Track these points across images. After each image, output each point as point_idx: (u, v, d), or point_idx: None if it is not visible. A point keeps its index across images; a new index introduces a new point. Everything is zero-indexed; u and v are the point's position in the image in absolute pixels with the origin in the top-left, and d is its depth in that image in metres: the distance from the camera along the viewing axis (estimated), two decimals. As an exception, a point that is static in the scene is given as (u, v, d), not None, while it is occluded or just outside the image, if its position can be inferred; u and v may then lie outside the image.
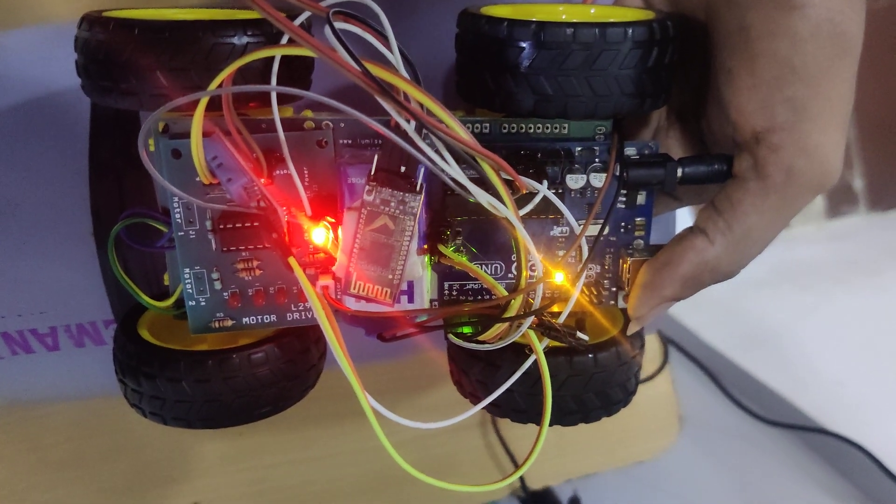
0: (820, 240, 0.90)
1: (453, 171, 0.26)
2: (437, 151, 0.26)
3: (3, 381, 0.44)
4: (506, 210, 0.27)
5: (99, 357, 0.44)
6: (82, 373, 0.44)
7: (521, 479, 0.57)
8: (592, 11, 0.34)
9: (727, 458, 0.62)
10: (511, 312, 0.29)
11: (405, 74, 0.26)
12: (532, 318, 0.29)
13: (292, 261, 0.28)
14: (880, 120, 0.93)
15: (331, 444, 0.54)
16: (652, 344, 0.59)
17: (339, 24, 0.26)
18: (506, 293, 0.30)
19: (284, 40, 0.27)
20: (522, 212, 0.29)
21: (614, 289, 0.34)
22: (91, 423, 0.54)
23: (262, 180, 0.28)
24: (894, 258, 0.86)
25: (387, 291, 0.29)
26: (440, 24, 0.41)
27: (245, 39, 0.29)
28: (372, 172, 0.28)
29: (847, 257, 0.86)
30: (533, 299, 0.30)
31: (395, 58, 0.27)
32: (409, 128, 0.25)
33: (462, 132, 0.26)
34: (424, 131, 0.26)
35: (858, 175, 0.94)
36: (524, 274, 0.29)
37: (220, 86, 0.26)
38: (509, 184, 0.28)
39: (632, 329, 0.32)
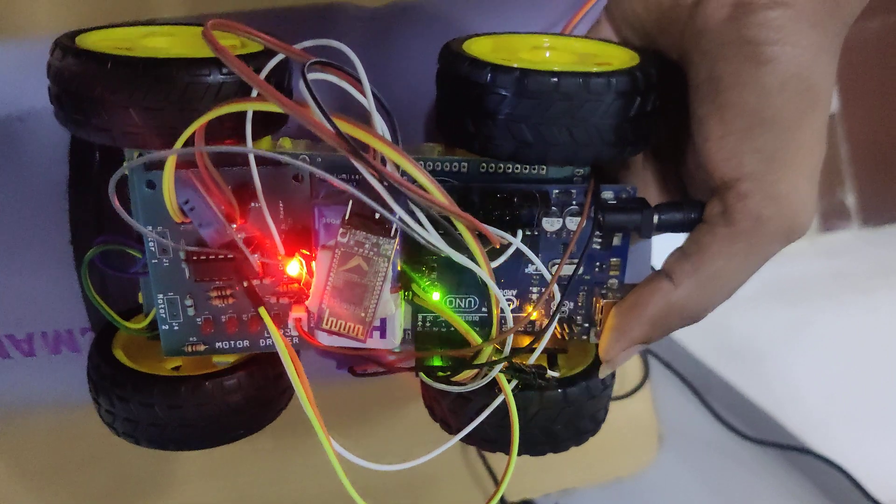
0: (811, 255, 0.89)
1: (429, 235, 0.26)
2: (412, 213, 0.26)
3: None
4: (480, 271, 0.27)
5: (75, 364, 0.44)
6: (59, 379, 0.45)
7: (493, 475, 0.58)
8: (576, 45, 0.33)
9: (709, 474, 0.62)
10: (482, 359, 0.30)
11: (380, 130, 0.26)
12: (501, 365, 0.30)
13: (262, 311, 0.28)
14: (872, 136, 0.93)
15: (309, 458, 0.54)
16: (633, 361, 0.60)
17: (313, 75, 0.26)
18: (478, 338, 0.30)
19: (256, 91, 0.27)
20: (496, 263, 0.29)
21: (587, 325, 0.34)
22: (70, 431, 0.54)
23: (234, 226, 0.28)
24: (885, 275, 0.86)
25: (359, 328, 0.29)
26: (424, 50, 0.41)
27: (220, 78, 0.28)
28: (346, 217, 0.28)
29: (838, 273, 0.86)
30: (503, 346, 0.30)
31: (371, 109, 0.26)
32: (382, 190, 0.25)
33: (438, 194, 0.25)
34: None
35: (850, 191, 0.94)
36: (496, 324, 0.29)
37: (193, 136, 0.26)
38: (482, 237, 0.28)
39: (604, 372, 0.33)
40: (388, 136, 0.27)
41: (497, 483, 0.58)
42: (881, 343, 0.75)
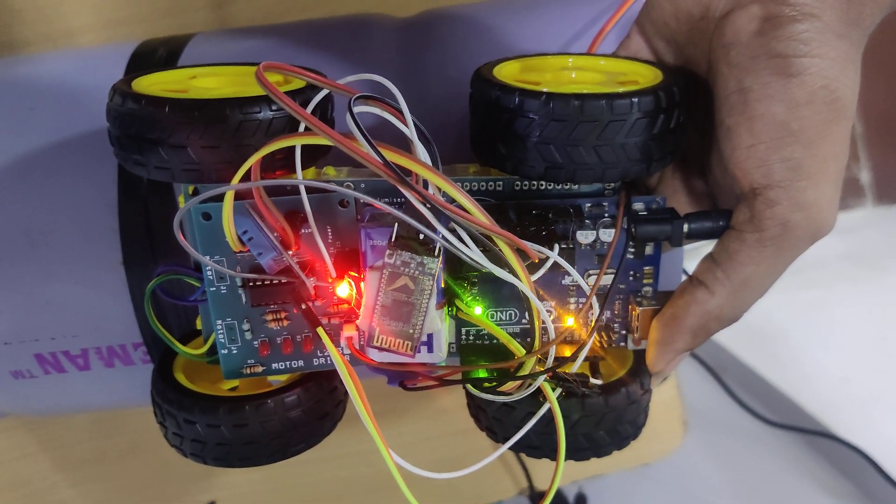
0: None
1: (471, 252, 0.28)
2: (455, 232, 0.28)
3: (35, 398, 0.47)
4: (522, 285, 0.29)
5: (128, 375, 0.46)
6: (111, 389, 0.47)
7: (529, 479, 0.60)
8: (602, 63, 0.35)
9: (731, 459, 0.63)
10: (525, 370, 0.31)
11: (421, 157, 0.28)
12: (545, 376, 0.31)
13: (320, 331, 0.30)
14: (887, 113, 0.93)
15: (343, 445, 0.56)
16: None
17: (359, 108, 0.28)
18: (520, 350, 0.32)
19: (304, 125, 0.28)
20: (535, 276, 0.30)
21: (624, 332, 0.35)
22: (111, 421, 0.56)
23: (291, 252, 0.30)
24: None
25: (407, 344, 0.31)
26: (456, 58, 0.42)
27: (270, 114, 0.30)
28: (392, 239, 0.30)
29: (854, 251, 0.87)
30: (546, 357, 0.31)
31: (413, 138, 0.28)
32: (427, 212, 0.27)
33: (480, 215, 0.27)
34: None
35: (865, 168, 0.95)
36: (538, 336, 0.31)
37: (249, 171, 0.28)
38: (521, 252, 0.29)
39: (655, 383, 0.34)
40: (428, 161, 0.28)
41: (527, 472, 0.60)
42: (896, 319, 0.75)
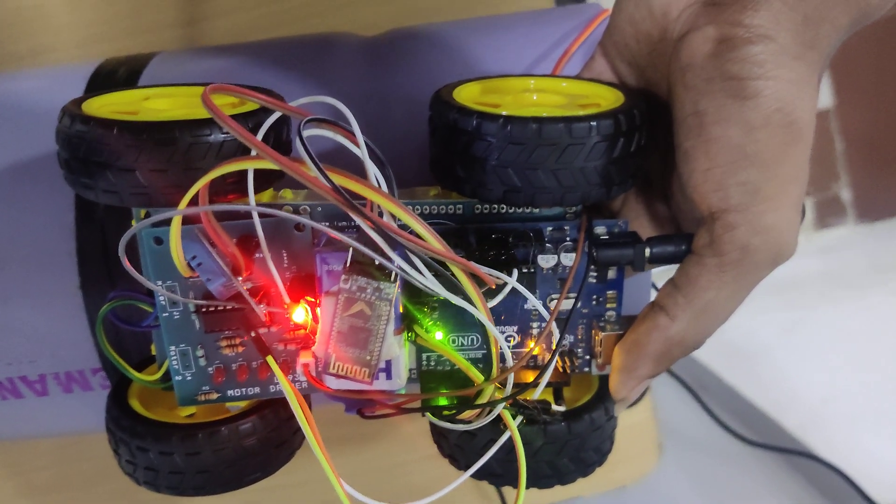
0: (808, 252, 0.90)
1: (426, 280, 0.27)
2: (409, 261, 0.27)
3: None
4: (478, 313, 0.28)
5: (86, 400, 0.45)
6: (69, 415, 0.46)
7: (503, 500, 0.59)
8: (564, 85, 0.34)
9: (710, 479, 0.63)
10: (485, 398, 0.31)
11: (374, 180, 0.27)
12: (504, 403, 0.30)
13: (270, 360, 0.29)
14: (867, 132, 0.93)
15: (318, 469, 0.55)
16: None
17: (309, 131, 0.27)
18: (480, 376, 0.31)
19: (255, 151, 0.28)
20: (493, 303, 0.30)
21: (588, 357, 0.35)
22: (75, 447, 0.55)
23: (240, 278, 0.29)
24: (881, 271, 0.86)
25: (365, 371, 0.30)
26: (421, 78, 0.42)
27: (220, 137, 0.29)
28: (347, 263, 0.29)
29: (834, 270, 0.87)
30: (505, 384, 0.31)
31: (365, 160, 0.27)
32: (380, 239, 0.26)
33: (434, 242, 0.26)
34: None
35: (846, 187, 0.95)
36: (495, 364, 0.30)
37: (197, 195, 0.27)
38: (479, 278, 0.29)
39: (619, 410, 0.34)
40: (383, 185, 0.28)
41: (501, 494, 0.59)
42: (878, 341, 0.75)
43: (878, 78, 0.92)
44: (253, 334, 0.30)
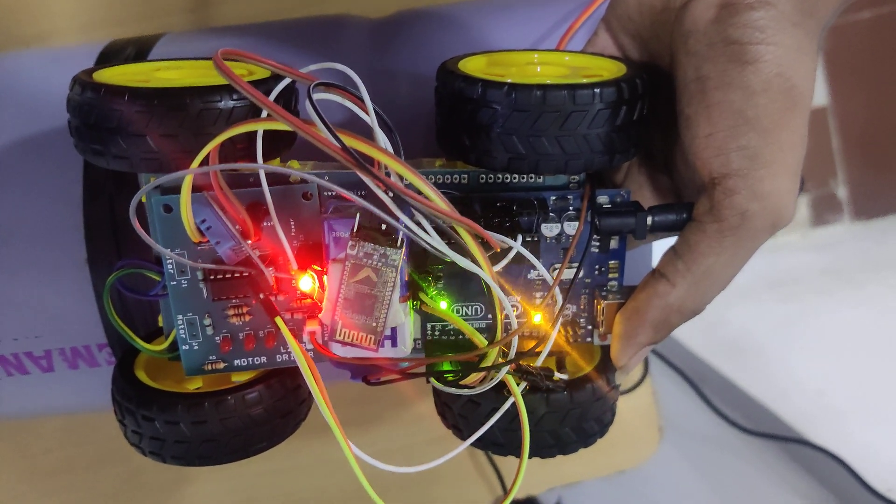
0: (804, 248, 0.91)
1: (432, 240, 0.27)
2: (416, 220, 0.27)
3: (-2, 400, 0.46)
4: (483, 273, 0.28)
5: (92, 377, 0.45)
6: (75, 392, 0.46)
7: (503, 486, 0.59)
8: (567, 59, 0.35)
9: (708, 467, 0.64)
10: (488, 362, 0.31)
11: (382, 145, 0.28)
12: (508, 367, 0.31)
13: (279, 321, 0.29)
14: (863, 129, 0.94)
15: (318, 453, 0.55)
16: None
17: (318, 95, 0.27)
18: (484, 342, 0.32)
19: (265, 112, 0.28)
20: (498, 266, 0.30)
21: (590, 327, 0.35)
22: (81, 431, 0.55)
23: (249, 242, 0.30)
24: (877, 268, 0.87)
25: (371, 338, 0.31)
26: (427, 59, 0.42)
27: (231, 103, 0.30)
28: (354, 229, 0.29)
29: (831, 266, 0.88)
30: (509, 348, 0.31)
31: (374, 125, 0.28)
32: (388, 200, 0.27)
33: (440, 202, 0.27)
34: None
35: (842, 184, 0.96)
36: (500, 329, 0.30)
37: (207, 157, 0.28)
38: (484, 243, 0.29)
39: (619, 378, 0.34)
40: (390, 149, 0.28)
41: (501, 480, 0.59)
42: (873, 335, 0.76)
43: (874, 76, 0.93)
44: (262, 296, 0.30)
